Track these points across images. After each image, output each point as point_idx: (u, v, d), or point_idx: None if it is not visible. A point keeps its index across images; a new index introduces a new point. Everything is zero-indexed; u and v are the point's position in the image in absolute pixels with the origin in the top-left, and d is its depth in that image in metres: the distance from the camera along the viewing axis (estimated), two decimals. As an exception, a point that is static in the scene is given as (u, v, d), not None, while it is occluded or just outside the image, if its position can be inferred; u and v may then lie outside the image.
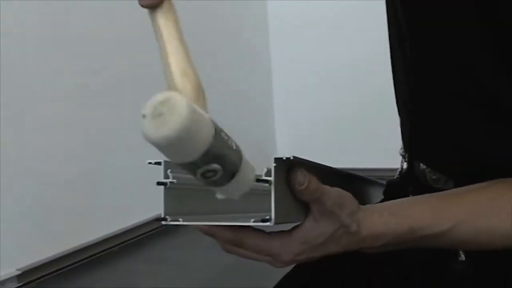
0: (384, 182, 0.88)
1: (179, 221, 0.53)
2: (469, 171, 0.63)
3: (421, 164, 0.74)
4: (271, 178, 0.48)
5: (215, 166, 0.36)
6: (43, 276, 2.21)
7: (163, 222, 0.53)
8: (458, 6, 0.58)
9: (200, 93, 0.44)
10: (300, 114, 3.77)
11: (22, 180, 2.17)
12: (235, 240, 0.55)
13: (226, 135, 0.38)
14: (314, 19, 3.57)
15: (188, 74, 0.44)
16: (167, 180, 0.53)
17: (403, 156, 0.82)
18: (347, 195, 0.56)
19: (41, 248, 2.24)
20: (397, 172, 0.84)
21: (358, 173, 0.81)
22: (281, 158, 0.48)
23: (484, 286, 0.68)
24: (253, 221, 0.49)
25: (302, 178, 0.51)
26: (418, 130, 0.73)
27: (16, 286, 2.12)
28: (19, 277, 2.13)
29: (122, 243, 2.59)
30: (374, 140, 3.37)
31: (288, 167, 0.51)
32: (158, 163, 0.53)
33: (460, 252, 0.68)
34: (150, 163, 0.54)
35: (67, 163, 2.37)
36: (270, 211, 0.48)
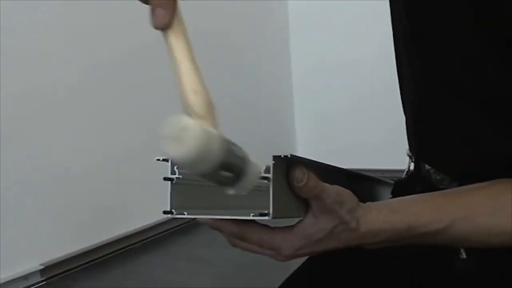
0: (392, 182, 0.89)
1: (184, 214, 0.56)
2: (471, 171, 0.64)
3: (426, 165, 0.76)
4: (270, 175, 0.50)
5: (225, 173, 0.41)
6: (65, 271, 2.27)
7: (169, 215, 0.56)
8: (459, 4, 0.59)
9: (210, 110, 0.48)
10: (321, 114, 3.77)
11: (46, 176, 2.23)
12: (239, 234, 0.58)
13: (234, 145, 0.43)
14: (334, 18, 3.57)
15: (199, 92, 0.48)
16: (174, 176, 0.56)
17: (410, 157, 0.83)
18: (346, 193, 0.58)
19: (63, 244, 2.30)
20: (404, 172, 0.85)
21: (378, 175, 0.83)
22: (280, 156, 0.50)
23: (485, 284, 0.69)
24: (253, 215, 0.51)
25: (301, 175, 0.53)
26: (422, 130, 0.74)
27: (39, 280, 2.17)
28: (42, 271, 2.19)
29: (144, 239, 2.64)
30: (398, 141, 3.35)
31: (288, 165, 0.53)
32: (166, 160, 0.56)
33: (462, 250, 0.69)
34: (158, 159, 0.57)
35: (93, 160, 2.42)
36: (269, 206, 0.51)
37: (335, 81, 3.66)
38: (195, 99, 0.48)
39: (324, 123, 3.78)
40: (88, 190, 2.40)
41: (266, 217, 0.51)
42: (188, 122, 0.37)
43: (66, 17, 2.31)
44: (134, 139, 2.60)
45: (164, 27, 0.50)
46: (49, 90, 2.25)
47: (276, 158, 0.50)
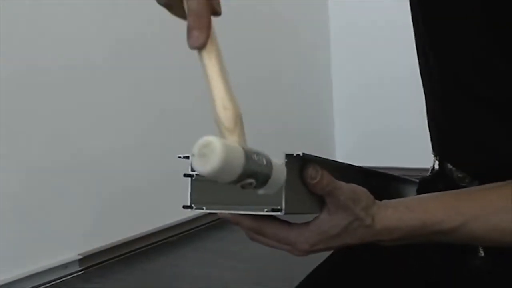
0: (417, 180, 0.89)
1: (202, 209, 0.58)
2: (490, 170, 0.64)
3: (448, 163, 0.76)
4: None
5: (250, 180, 0.45)
6: (102, 262, 2.33)
7: (189, 210, 0.58)
8: (470, 5, 0.59)
9: (238, 124, 0.51)
10: (360, 116, 3.76)
11: (86, 170, 2.29)
12: (256, 228, 0.60)
13: (257, 154, 0.46)
14: (375, 20, 3.55)
15: (228, 108, 0.51)
16: (194, 173, 0.59)
17: (435, 155, 0.84)
18: (361, 190, 0.59)
19: (101, 236, 2.36)
20: (429, 171, 0.86)
21: (416, 173, 0.83)
22: (292, 155, 0.52)
23: (503, 282, 0.69)
24: (266, 210, 0.53)
25: (314, 173, 0.55)
26: (440, 129, 0.75)
27: (77, 269, 2.25)
28: (80, 261, 2.26)
29: (179, 234, 2.69)
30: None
31: (302, 163, 0.55)
32: (187, 157, 0.59)
33: (480, 249, 0.69)
34: (179, 157, 0.59)
35: (132, 154, 2.47)
36: (281, 202, 0.53)
37: (378, 84, 3.64)
38: (224, 114, 0.51)
39: (362, 121, 3.76)
40: (127, 184, 2.46)
41: (279, 213, 0.53)
42: (211, 139, 0.41)
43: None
44: (172, 136, 2.64)
45: (199, 47, 0.53)
46: (88, 78, 2.30)
47: (288, 156, 0.52)
